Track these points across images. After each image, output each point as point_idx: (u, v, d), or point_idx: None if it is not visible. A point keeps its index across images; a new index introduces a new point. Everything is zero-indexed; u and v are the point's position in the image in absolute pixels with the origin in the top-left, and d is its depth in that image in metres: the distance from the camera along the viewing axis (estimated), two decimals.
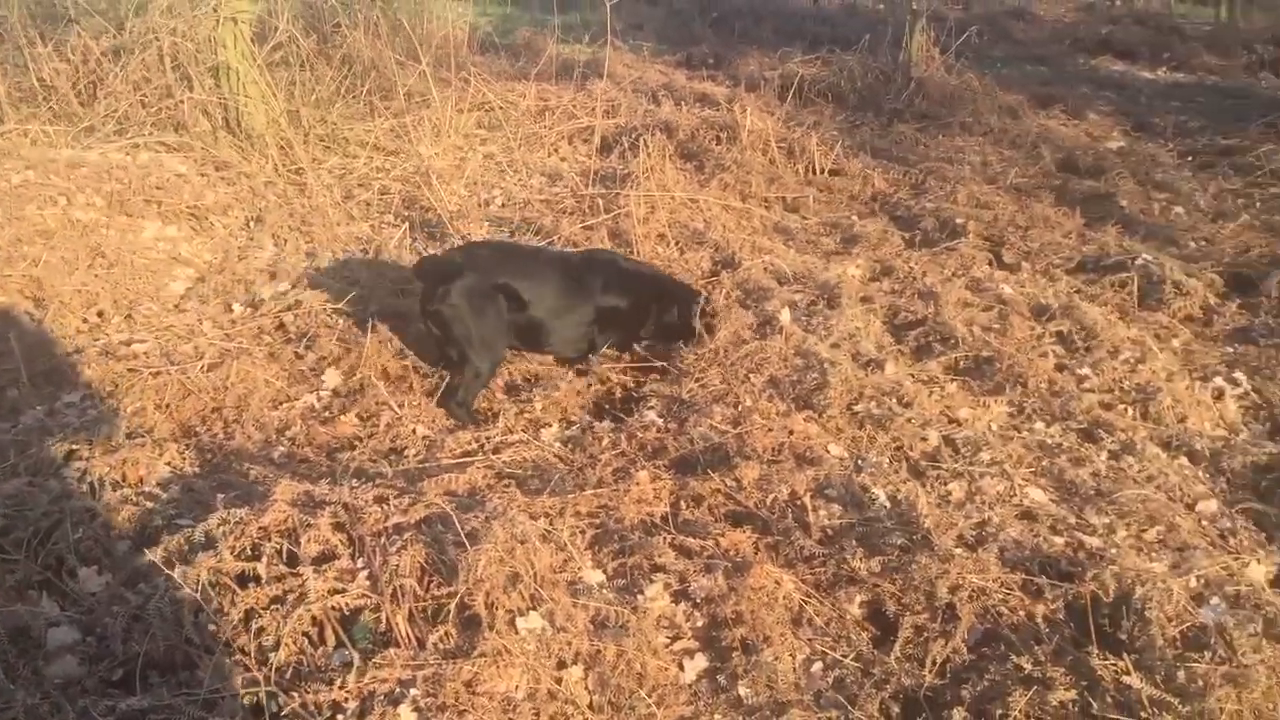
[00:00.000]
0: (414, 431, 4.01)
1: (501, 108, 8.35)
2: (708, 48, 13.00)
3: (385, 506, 3.00)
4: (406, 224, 6.00)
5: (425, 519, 2.93)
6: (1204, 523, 3.42)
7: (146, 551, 2.90)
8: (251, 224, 5.91)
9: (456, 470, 3.49)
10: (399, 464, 3.68)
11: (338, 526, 2.93)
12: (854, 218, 6.71)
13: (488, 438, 3.93)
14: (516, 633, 2.63)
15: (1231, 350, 4.80)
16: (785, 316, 4.64)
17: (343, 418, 4.11)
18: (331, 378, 4.40)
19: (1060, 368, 4.53)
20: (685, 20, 15.06)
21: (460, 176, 6.75)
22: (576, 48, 11.68)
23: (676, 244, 5.96)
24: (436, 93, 7.41)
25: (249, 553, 2.84)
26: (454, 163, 7.06)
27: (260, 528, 2.88)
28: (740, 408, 4.02)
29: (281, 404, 4.21)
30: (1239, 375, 4.52)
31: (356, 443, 3.91)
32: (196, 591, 2.71)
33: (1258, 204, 7.11)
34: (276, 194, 6.10)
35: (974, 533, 3.23)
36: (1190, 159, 8.42)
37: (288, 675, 2.60)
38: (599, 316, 4.64)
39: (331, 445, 3.91)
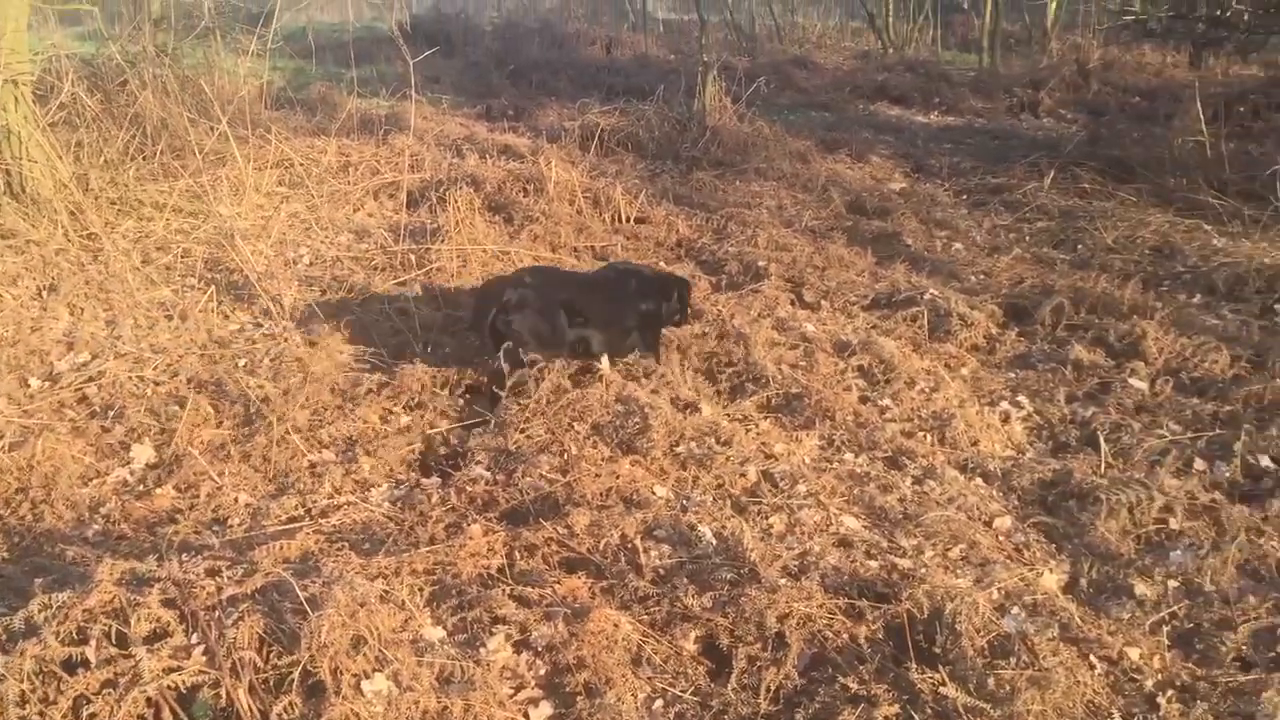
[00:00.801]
0: (236, 500, 3.93)
1: (303, 164, 8.24)
2: (507, 99, 13.16)
3: (218, 578, 2.94)
4: (212, 286, 5.85)
5: (261, 588, 2.90)
6: (1001, 538, 3.72)
7: None
8: (44, 293, 5.65)
9: (285, 537, 3.45)
10: (225, 534, 3.61)
11: (168, 603, 2.85)
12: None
13: (314, 502, 3.90)
14: (363, 696, 2.63)
15: (1014, 376, 5.20)
16: (605, 364, 4.77)
17: (159, 491, 3.98)
18: (143, 450, 4.26)
19: (864, 400, 4.82)
20: (483, 72, 15.20)
21: (265, 236, 6.63)
22: (375, 101, 11.66)
23: None
24: (236, 150, 7.26)
25: (75, 637, 2.74)
26: (258, 222, 6.93)
27: (85, 610, 2.78)
28: (567, 456, 4.12)
29: (91, 480, 4.05)
30: (1022, 399, 4.91)
31: (177, 515, 3.80)
32: (21, 682, 2.60)
33: (1027, 238, 7.72)
34: (70, 261, 5.85)
35: (796, 563, 3.42)
36: (965, 197, 9.06)
37: None
38: (640, 319, 5.06)
39: (150, 520, 3.79)
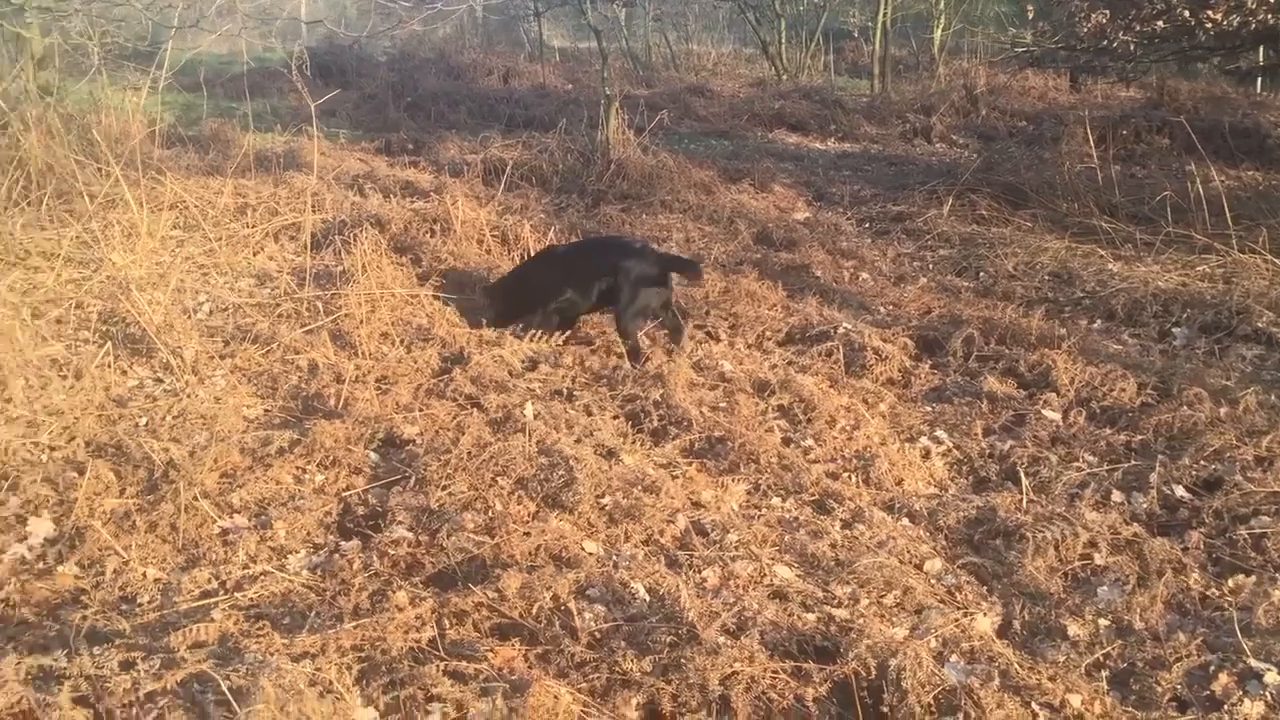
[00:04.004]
0: (144, 575, 3.72)
1: (198, 206, 7.97)
2: (405, 133, 12.98)
3: (133, 671, 2.78)
4: (108, 341, 5.60)
5: (181, 681, 2.74)
6: (933, 581, 3.72)
7: None
8: None
9: (201, 616, 3.29)
10: (134, 615, 3.42)
11: (81, 701, 2.69)
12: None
13: (228, 573, 3.73)
14: None
15: (931, 410, 5.25)
16: (529, 411, 4.68)
17: (61, 569, 3.76)
18: (42, 524, 4.03)
19: (787, 441, 4.82)
20: (379, 105, 14.97)
21: (162, 284, 6.37)
22: (270, 137, 11.39)
23: (402, 342, 5.89)
24: (128, 193, 6.99)
25: None
26: (153, 269, 6.67)
27: None
28: (491, 513, 4.02)
29: None
30: (940, 433, 4.96)
31: (82, 596, 3.59)
32: None
33: (931, 266, 7.86)
34: None
35: (734, 620, 3.37)
36: (868, 226, 9.20)
37: None
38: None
39: (53, 602, 3.56)
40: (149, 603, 3.54)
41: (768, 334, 6.22)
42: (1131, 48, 9.00)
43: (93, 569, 3.78)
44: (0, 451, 4.52)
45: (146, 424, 4.87)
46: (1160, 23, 8.64)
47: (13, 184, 7.21)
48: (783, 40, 19.60)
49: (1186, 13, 8.58)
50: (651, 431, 4.92)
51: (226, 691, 2.65)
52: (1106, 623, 3.46)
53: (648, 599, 3.49)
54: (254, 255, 7.44)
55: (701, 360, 5.71)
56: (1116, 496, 4.28)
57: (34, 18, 8.16)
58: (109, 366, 5.43)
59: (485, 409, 4.96)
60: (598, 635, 3.33)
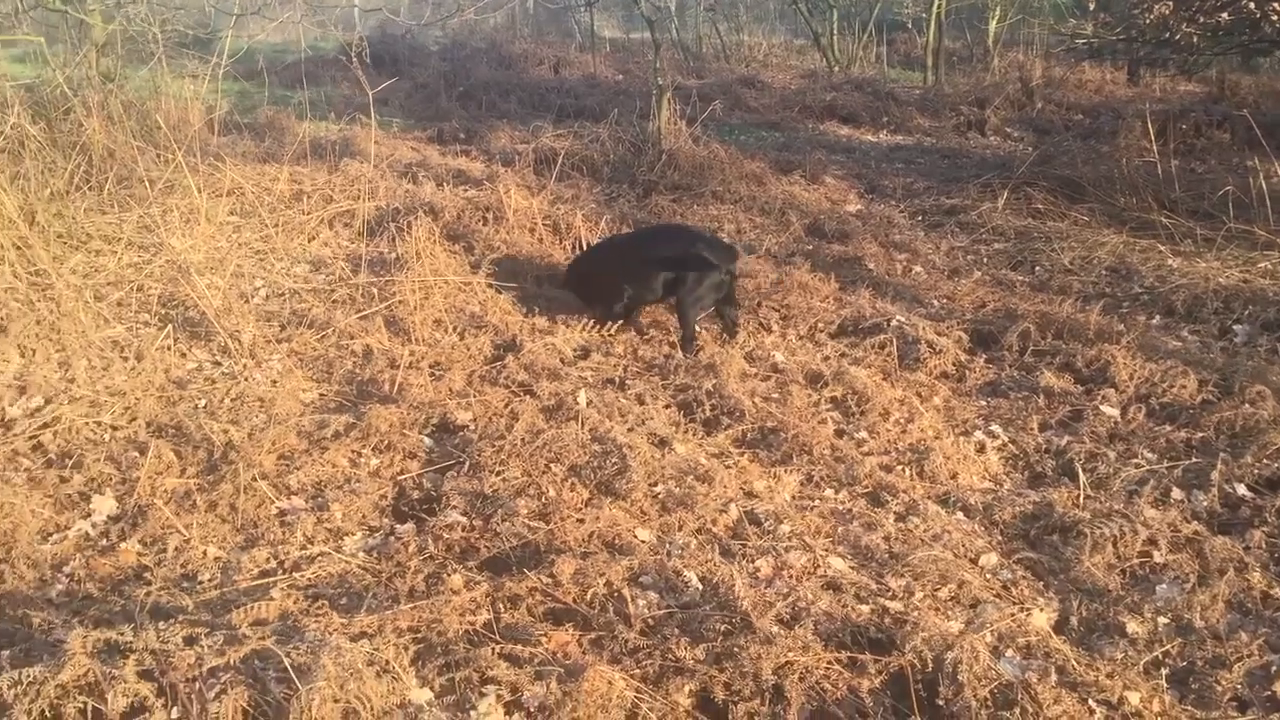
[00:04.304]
0: (205, 554, 3.79)
1: (254, 193, 8.07)
2: (457, 122, 13.02)
3: (197, 647, 2.83)
4: (169, 324, 5.69)
5: (244, 657, 2.78)
6: (988, 576, 3.69)
7: None
8: None
9: (260, 595, 3.34)
10: (196, 592, 3.47)
11: (145, 674, 2.74)
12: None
13: (286, 553, 3.78)
14: None
15: (985, 404, 5.20)
16: (583, 399, 4.70)
17: (124, 546, 3.84)
18: (105, 502, 4.11)
19: (840, 433, 4.79)
20: (431, 94, 15.04)
21: (219, 269, 6.46)
22: (324, 125, 11.50)
23: (455, 329, 5.93)
24: (191, 179, 7.08)
25: (49, 715, 2.61)
26: (211, 254, 6.76)
27: (59, 686, 2.65)
28: (545, 499, 4.04)
29: (52, 535, 3.89)
30: (995, 428, 4.91)
31: (144, 572, 3.66)
32: None
33: (985, 260, 7.77)
34: (19, 300, 5.65)
35: (788, 610, 3.36)
36: (921, 219, 9.10)
37: None
38: None
39: (117, 578, 3.64)
40: (210, 580, 3.60)
41: (820, 326, 6.19)
42: (1194, 40, 8.82)
43: (154, 546, 3.85)
44: (65, 430, 4.62)
45: (205, 406, 4.95)
46: (1225, 15, 8.47)
47: (75, 169, 7.33)
48: (834, 31, 19.43)
49: (1252, 4, 8.40)
50: (704, 421, 4.92)
51: (289, 668, 2.69)
52: (1166, 621, 3.42)
53: (700, 587, 3.49)
54: (309, 241, 7.52)
55: (754, 351, 5.70)
56: (1176, 494, 4.21)
57: (97, 4, 8.29)
58: (169, 349, 5.52)
59: (538, 396, 4.98)
60: (651, 622, 3.33)
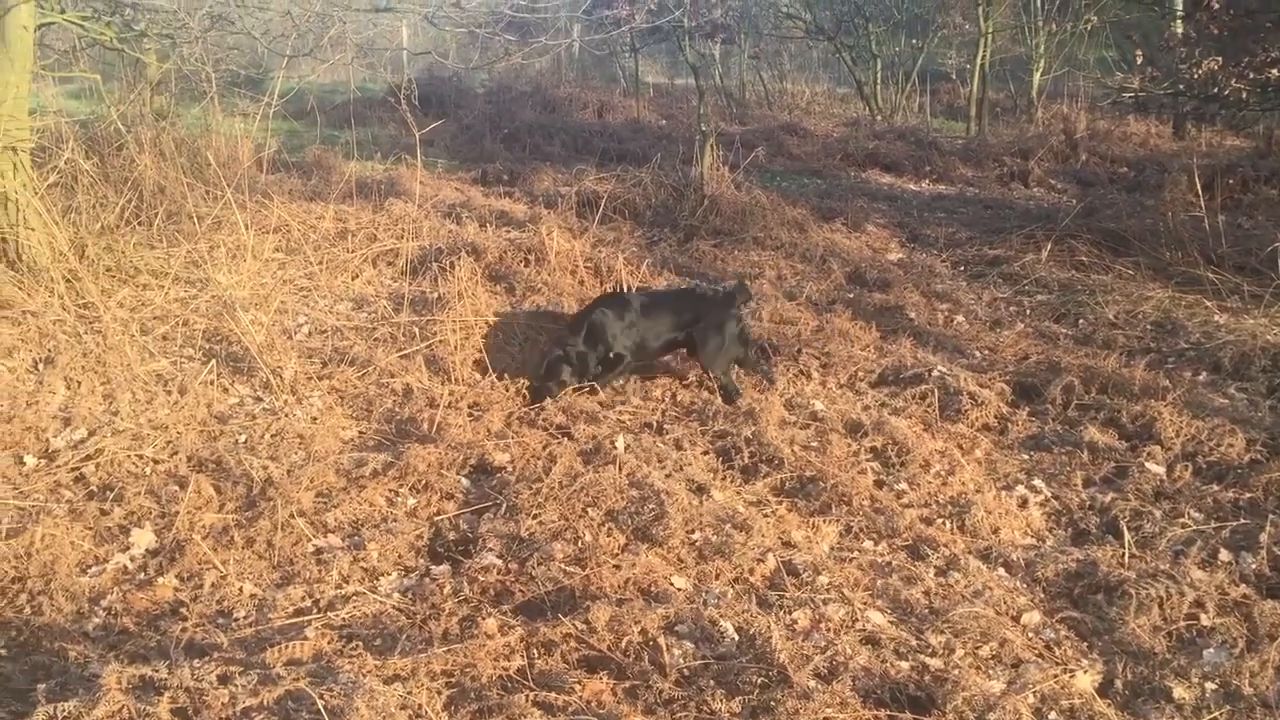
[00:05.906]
0: (241, 590, 3.80)
1: (300, 230, 8.17)
2: (501, 164, 13.14)
3: (231, 686, 2.82)
4: (213, 359, 5.75)
5: (278, 698, 2.77)
6: (1030, 635, 3.62)
7: None
8: (40, 366, 5.53)
9: (295, 634, 3.33)
10: (231, 630, 3.47)
11: (179, 713, 2.74)
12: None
13: (321, 592, 3.78)
14: None
15: (1028, 458, 5.13)
16: (621, 444, 4.68)
17: (161, 580, 3.85)
18: (144, 535, 4.13)
19: (879, 484, 4.74)
20: (476, 136, 15.21)
21: (264, 305, 6.53)
22: (370, 165, 11.64)
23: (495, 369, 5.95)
24: (239, 216, 7.18)
25: None
26: (256, 290, 6.84)
27: None
28: (581, 544, 4.02)
29: (90, 568, 3.92)
30: (1038, 482, 4.84)
31: (180, 608, 3.67)
32: None
33: (1028, 312, 7.71)
34: (66, 332, 5.73)
35: (826, 664, 3.31)
36: (963, 269, 9.06)
37: None
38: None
39: (153, 613, 3.65)
40: (245, 618, 3.60)
41: (860, 374, 6.15)
42: (1243, 95, 8.75)
43: (191, 582, 3.86)
44: (107, 463, 4.66)
45: (246, 441, 4.98)
46: (1274, 71, 8.40)
47: (126, 204, 7.45)
48: (878, 80, 19.48)
49: None
50: (742, 468, 4.89)
51: (323, 710, 2.67)
52: (1213, 686, 3.33)
53: (737, 638, 3.45)
54: (353, 279, 7.58)
55: (793, 398, 5.67)
56: (1224, 555, 4.12)
57: (153, 44, 8.45)
58: (212, 384, 5.57)
59: (576, 439, 4.98)
60: (686, 673, 3.29)
